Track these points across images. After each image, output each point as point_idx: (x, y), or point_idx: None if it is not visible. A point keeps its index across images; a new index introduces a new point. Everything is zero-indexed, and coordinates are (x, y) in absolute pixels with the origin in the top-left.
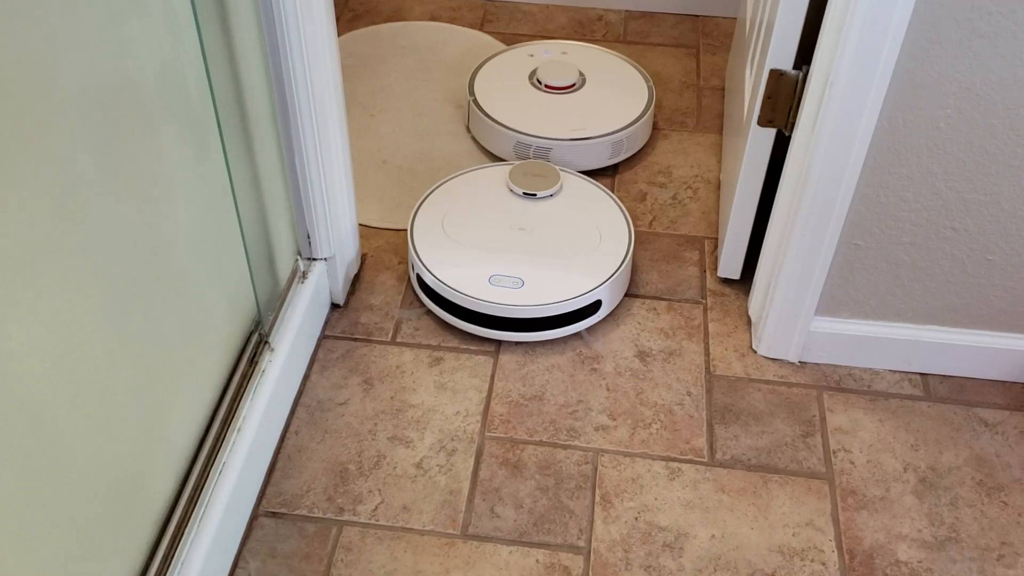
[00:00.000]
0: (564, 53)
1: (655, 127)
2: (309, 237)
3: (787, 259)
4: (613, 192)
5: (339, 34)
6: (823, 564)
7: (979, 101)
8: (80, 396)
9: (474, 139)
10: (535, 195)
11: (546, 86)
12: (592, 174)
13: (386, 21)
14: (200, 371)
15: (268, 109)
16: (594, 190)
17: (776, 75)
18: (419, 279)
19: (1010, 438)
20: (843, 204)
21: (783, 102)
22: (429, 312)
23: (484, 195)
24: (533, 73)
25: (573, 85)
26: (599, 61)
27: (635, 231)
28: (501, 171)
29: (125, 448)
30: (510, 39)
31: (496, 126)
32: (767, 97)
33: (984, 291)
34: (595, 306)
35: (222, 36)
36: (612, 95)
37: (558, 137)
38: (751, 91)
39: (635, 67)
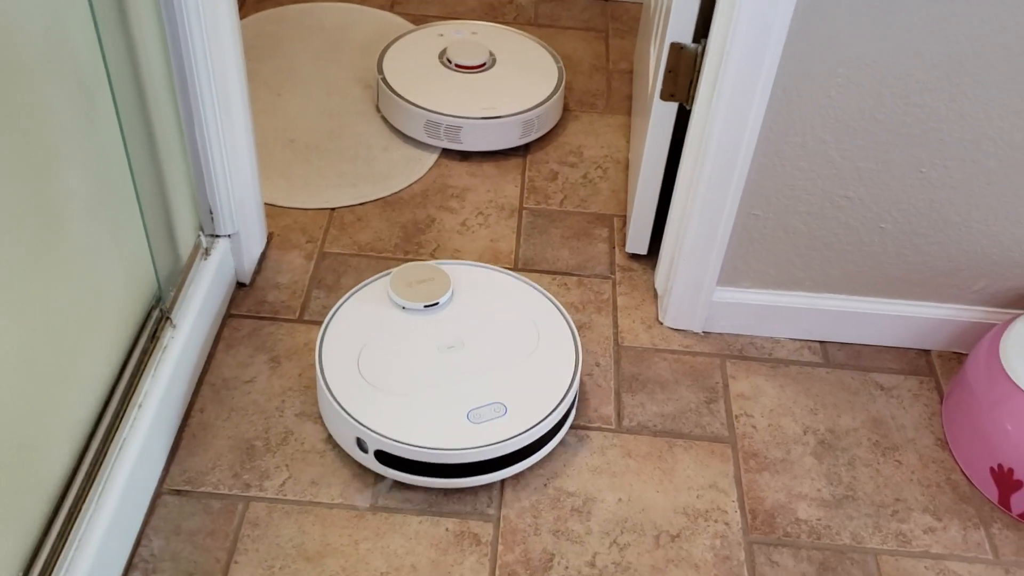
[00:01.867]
0: (474, 33)
1: (566, 108)
2: (212, 213)
3: (689, 231)
4: (525, 172)
5: (246, 15)
6: (726, 524)
7: (868, 70)
8: None
9: (383, 118)
10: (437, 303)
11: (456, 65)
12: (503, 153)
13: (294, 2)
14: (97, 345)
15: (166, 78)
16: (487, 273)
17: (676, 49)
18: (379, 454)
19: (904, 401)
20: (741, 174)
21: (684, 76)
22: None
23: (385, 324)
24: (443, 52)
25: (483, 64)
26: (509, 42)
27: (546, 209)
28: (383, 287)
29: (14, 418)
30: (420, 20)
31: (406, 104)
32: (668, 71)
33: (878, 259)
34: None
35: (115, 7)
36: (522, 75)
37: (468, 115)
38: (654, 67)
39: (545, 48)
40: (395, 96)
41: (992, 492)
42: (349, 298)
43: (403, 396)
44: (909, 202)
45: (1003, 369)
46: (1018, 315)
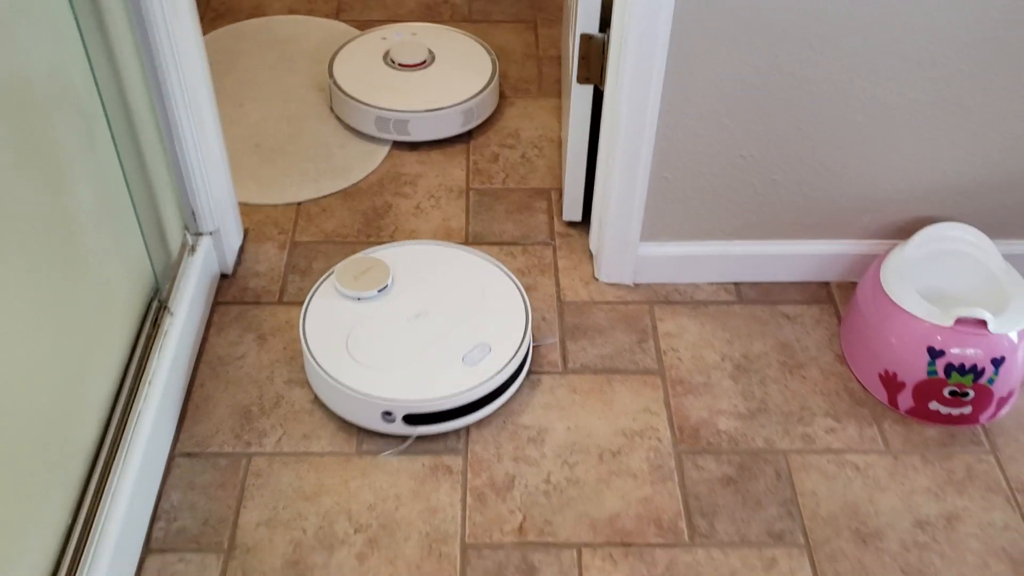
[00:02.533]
0: (414, 34)
1: (502, 96)
2: (194, 214)
3: (611, 196)
4: (469, 156)
5: (204, 33)
6: (659, 440)
7: (744, 47)
8: (11, 354)
9: (338, 119)
10: (386, 285)
11: (399, 64)
12: (448, 141)
13: (247, 18)
14: (110, 332)
15: (147, 102)
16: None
17: (586, 39)
18: (407, 417)
19: (807, 326)
20: (648, 143)
21: (595, 61)
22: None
23: (351, 315)
24: (387, 54)
25: (424, 62)
26: (446, 40)
27: (490, 188)
28: (331, 287)
29: (50, 400)
30: (364, 25)
31: (357, 104)
32: (582, 58)
33: (774, 207)
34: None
35: (102, 41)
36: (459, 69)
37: (414, 109)
38: (571, 55)
39: (479, 42)
40: (347, 97)
41: (882, 395)
42: (309, 305)
43: (402, 366)
44: (794, 156)
45: (884, 292)
46: (895, 245)
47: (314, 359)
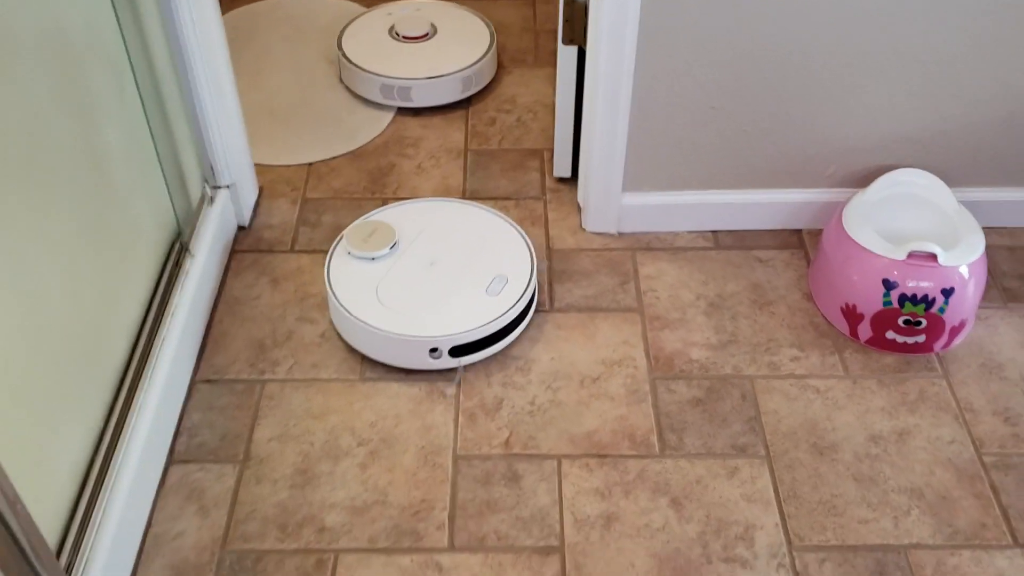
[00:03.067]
0: (418, 10)
1: (501, 65)
2: (212, 168)
3: (594, 148)
4: (468, 120)
5: (224, 12)
6: (635, 368)
7: (713, 5)
8: (50, 275)
9: (347, 88)
10: (396, 242)
11: (403, 37)
12: (449, 107)
13: None
14: (137, 266)
15: (169, 62)
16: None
17: (569, 2)
18: (452, 350)
19: (778, 268)
20: (626, 97)
21: (578, 23)
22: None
23: (371, 272)
24: (392, 28)
25: (426, 34)
26: (448, 14)
27: (487, 149)
28: (344, 253)
29: (86, 316)
30: (372, 3)
31: (364, 73)
32: (566, 21)
33: (746, 157)
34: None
35: (128, 3)
36: (460, 40)
37: (417, 77)
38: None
39: (478, 16)
40: (354, 67)
41: (844, 326)
42: (330, 272)
43: (435, 306)
44: (761, 108)
45: (846, 233)
46: (856, 191)
47: (353, 315)
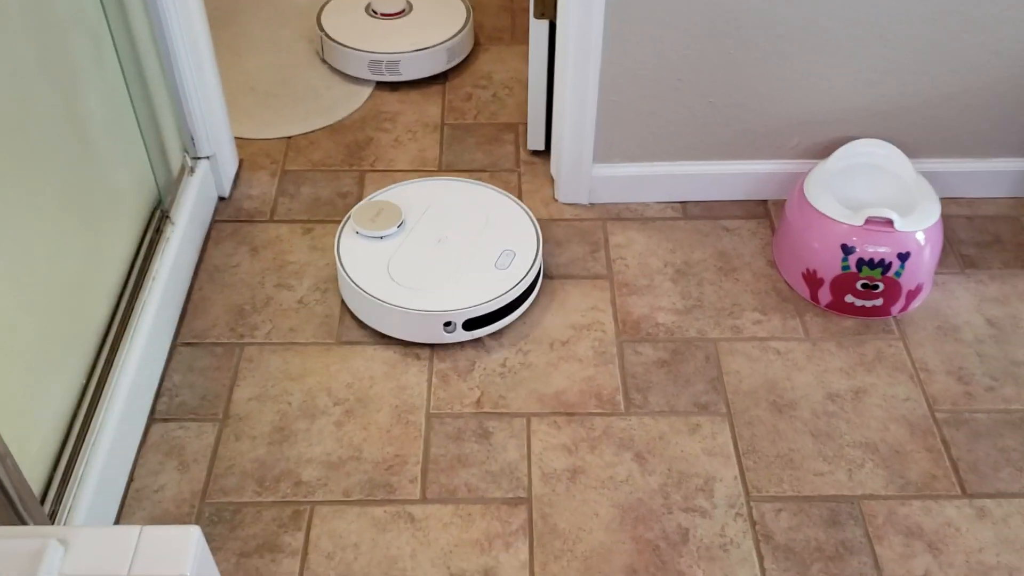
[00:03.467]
0: None
1: (477, 43)
2: (192, 139)
3: (565, 120)
4: (445, 96)
5: None
6: (603, 331)
7: None
8: (33, 237)
9: (325, 63)
10: (404, 221)
11: (380, 14)
12: (425, 83)
13: None
14: (118, 230)
15: (150, 35)
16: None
17: None
18: (466, 324)
19: (744, 237)
20: (595, 69)
21: None
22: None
23: (380, 250)
24: (368, 5)
25: (402, 11)
26: None
27: (463, 123)
28: (351, 233)
29: (68, 277)
30: None
31: (351, 51)
32: None
33: (711, 129)
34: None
35: None
36: (435, 14)
37: (403, 51)
38: None
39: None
40: (340, 46)
41: (805, 291)
42: (340, 251)
43: (446, 282)
44: (726, 80)
45: (808, 201)
46: (818, 162)
47: (367, 292)
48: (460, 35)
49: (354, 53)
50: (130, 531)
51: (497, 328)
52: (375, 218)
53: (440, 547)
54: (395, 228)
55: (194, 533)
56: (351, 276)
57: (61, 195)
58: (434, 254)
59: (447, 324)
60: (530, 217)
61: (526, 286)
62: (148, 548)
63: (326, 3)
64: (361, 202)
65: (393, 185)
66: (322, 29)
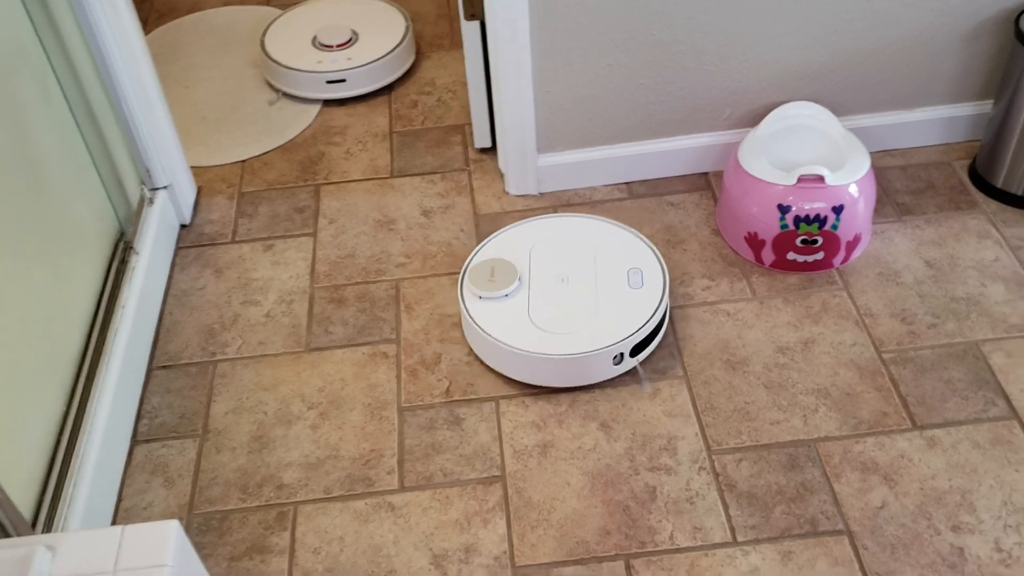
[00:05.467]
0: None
1: (419, 51)
2: (148, 170)
3: (505, 117)
4: (391, 106)
5: (149, 31)
6: None
7: None
8: (6, 272)
9: (271, 87)
10: (520, 278)
11: (327, 45)
12: (371, 96)
13: (187, 14)
14: (83, 264)
15: (98, 81)
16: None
17: None
18: (632, 350)
19: (688, 210)
20: (527, 62)
21: (477, 0)
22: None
23: (505, 305)
24: (314, 38)
25: (349, 40)
26: (364, 10)
27: (411, 130)
28: (473, 300)
29: (38, 311)
30: (287, 4)
31: (302, 73)
32: None
33: (647, 108)
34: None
35: (47, 21)
36: (380, 34)
37: (352, 67)
38: None
39: (393, 6)
40: (287, 69)
41: (749, 254)
42: (472, 318)
43: (594, 317)
44: (654, 60)
45: (742, 167)
46: (750, 130)
47: (528, 351)
48: (399, 48)
49: (305, 75)
50: (113, 531)
51: (652, 345)
52: (492, 278)
53: (421, 531)
54: (516, 283)
55: (174, 526)
56: (503, 341)
57: (21, 234)
58: (565, 294)
59: (616, 356)
60: (628, 229)
61: (667, 302)
62: (131, 544)
63: (268, 28)
64: (467, 267)
65: (483, 242)
66: (270, 56)
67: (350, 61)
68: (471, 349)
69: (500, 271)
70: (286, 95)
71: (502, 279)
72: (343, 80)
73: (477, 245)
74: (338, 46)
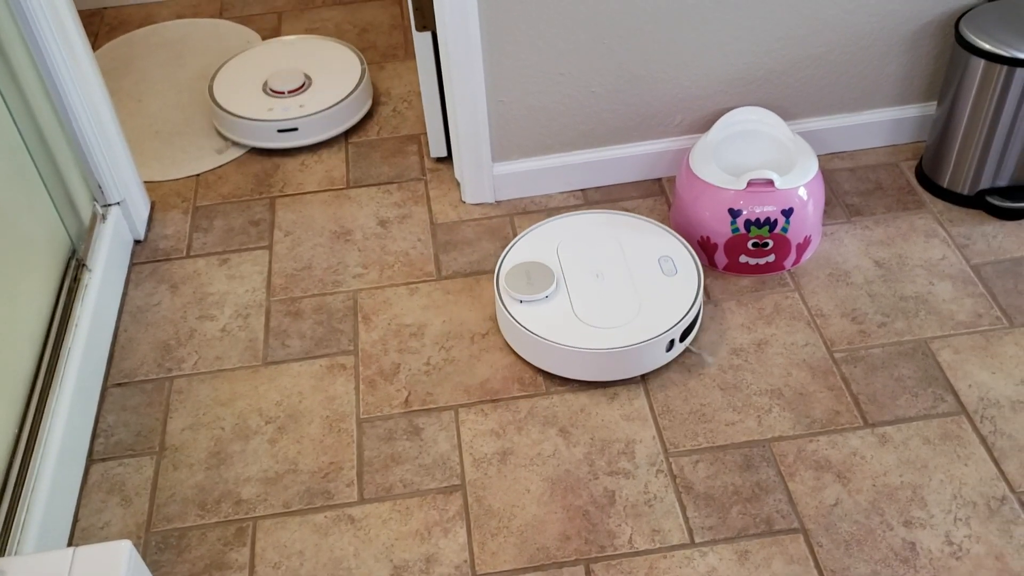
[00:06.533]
0: (289, 46)
1: (373, 62)
2: (100, 187)
3: (460, 126)
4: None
5: (100, 45)
6: None
7: None
8: None
9: (222, 136)
10: (556, 281)
11: (279, 92)
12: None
13: (138, 27)
14: (34, 283)
15: (46, 98)
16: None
17: None
18: (682, 334)
19: (642, 214)
20: (479, 73)
21: (427, 11)
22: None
23: (545, 305)
24: (264, 84)
25: (303, 86)
26: (317, 53)
27: (367, 140)
28: (513, 305)
29: None
30: (247, 20)
31: (249, 122)
32: (416, 9)
33: (600, 116)
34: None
35: None
36: (334, 79)
37: (304, 115)
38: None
39: (347, 46)
40: (243, 119)
41: (703, 258)
42: (516, 320)
43: (638, 307)
44: (604, 69)
45: (694, 173)
46: (700, 136)
47: (585, 348)
48: (357, 90)
49: (254, 123)
50: (64, 553)
51: (694, 332)
52: (530, 282)
53: (382, 542)
54: (554, 285)
55: (126, 546)
56: (556, 342)
57: None
58: (604, 289)
59: (670, 343)
60: (647, 220)
61: (702, 280)
62: (83, 566)
63: (216, 72)
64: (503, 272)
65: (508, 247)
66: (227, 111)
67: (303, 108)
68: (428, 357)
69: (536, 274)
70: (236, 144)
71: (540, 281)
72: (295, 129)
73: (431, 248)
74: (290, 92)
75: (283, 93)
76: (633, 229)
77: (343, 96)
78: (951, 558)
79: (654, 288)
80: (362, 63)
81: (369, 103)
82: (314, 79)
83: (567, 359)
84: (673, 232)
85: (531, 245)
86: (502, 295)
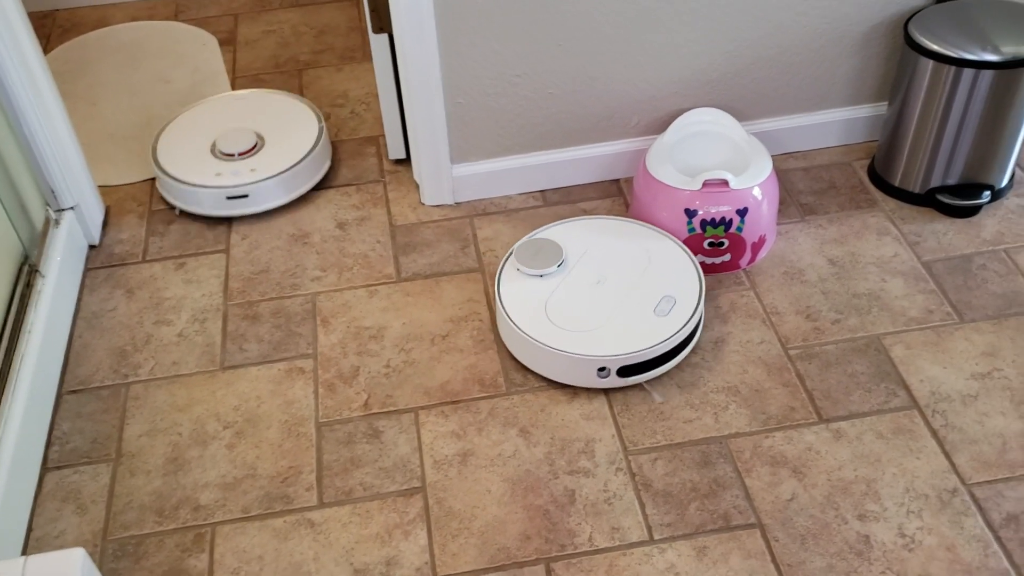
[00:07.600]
0: (239, 102)
1: (330, 64)
2: (53, 192)
3: (418, 128)
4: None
5: (52, 47)
6: (480, 321)
7: None
8: None
9: (168, 204)
10: (564, 260)
11: (228, 154)
12: None
13: (92, 29)
14: None
15: None
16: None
17: None
18: (620, 370)
19: (600, 214)
20: (436, 75)
21: (383, 12)
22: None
23: (538, 289)
24: (213, 146)
25: (255, 146)
26: (269, 108)
27: (329, 141)
28: (512, 270)
29: None
30: (203, 23)
31: (200, 189)
32: (372, 11)
33: (557, 118)
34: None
35: None
36: (288, 136)
37: (257, 180)
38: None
39: (302, 101)
40: (191, 187)
41: None
42: (500, 287)
43: (603, 326)
44: (560, 71)
45: (650, 174)
46: (657, 137)
47: (522, 331)
48: (315, 151)
49: (207, 190)
50: (15, 563)
51: (654, 375)
52: (536, 255)
53: (341, 546)
54: (555, 267)
55: (79, 555)
56: (509, 313)
57: None
58: (592, 295)
59: (601, 369)
60: (692, 261)
61: (686, 334)
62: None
63: (161, 133)
64: (524, 238)
65: (558, 222)
66: (169, 175)
67: (254, 173)
68: (387, 360)
69: (546, 253)
70: (183, 213)
71: (544, 260)
72: (245, 196)
73: (391, 250)
74: (240, 154)
75: (233, 155)
76: (670, 259)
77: (299, 159)
78: (904, 550)
79: (633, 317)
80: (319, 120)
81: (328, 164)
82: (267, 139)
83: (514, 337)
84: (703, 282)
85: (572, 231)
86: (508, 261)
